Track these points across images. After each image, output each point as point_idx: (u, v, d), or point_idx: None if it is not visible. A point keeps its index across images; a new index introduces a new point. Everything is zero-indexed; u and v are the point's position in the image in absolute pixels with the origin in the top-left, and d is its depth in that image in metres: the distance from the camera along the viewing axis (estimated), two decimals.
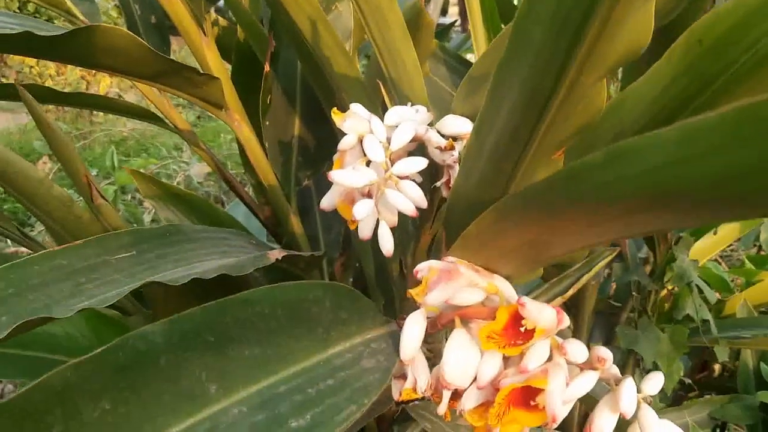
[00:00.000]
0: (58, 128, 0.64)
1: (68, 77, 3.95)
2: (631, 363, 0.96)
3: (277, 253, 0.48)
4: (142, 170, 2.15)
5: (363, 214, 0.33)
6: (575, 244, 0.24)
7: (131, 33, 0.40)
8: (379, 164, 0.37)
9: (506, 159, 0.31)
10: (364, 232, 0.35)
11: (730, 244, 1.13)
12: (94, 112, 4.66)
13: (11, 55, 4.38)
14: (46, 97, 0.69)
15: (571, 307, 0.92)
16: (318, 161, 0.60)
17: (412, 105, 0.42)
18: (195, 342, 0.23)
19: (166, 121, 0.71)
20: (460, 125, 0.41)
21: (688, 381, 1.02)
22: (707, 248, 1.03)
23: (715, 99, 0.24)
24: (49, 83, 4.01)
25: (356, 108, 0.40)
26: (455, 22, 1.11)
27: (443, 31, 1.11)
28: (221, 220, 0.66)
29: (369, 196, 0.37)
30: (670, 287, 0.87)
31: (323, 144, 0.60)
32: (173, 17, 0.50)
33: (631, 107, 0.29)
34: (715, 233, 0.91)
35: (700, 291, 0.88)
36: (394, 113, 0.40)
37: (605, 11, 0.21)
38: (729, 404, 0.99)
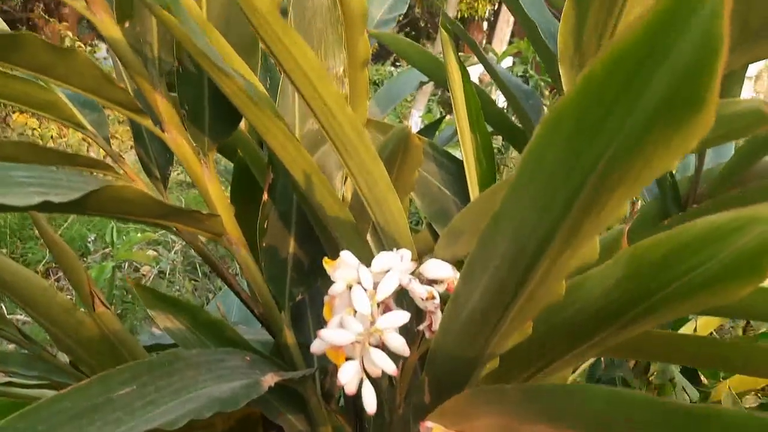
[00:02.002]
0: (61, 241, 0.68)
1: (69, 139, 4.03)
2: None
3: (270, 380, 0.51)
4: (141, 246, 2.17)
5: (348, 377, 0.36)
6: None
7: (140, 189, 0.44)
8: (366, 316, 0.40)
9: (479, 331, 0.34)
10: (350, 389, 0.37)
11: None
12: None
13: (14, 116, 4.47)
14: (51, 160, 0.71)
15: None
16: (311, 277, 0.63)
17: (398, 249, 0.45)
18: None
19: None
20: (441, 270, 0.44)
21: None
22: (702, 325, 1.05)
23: (656, 308, 0.27)
24: (51, 144, 4.08)
25: (346, 256, 0.43)
26: (441, 119, 1.16)
27: (432, 127, 1.16)
28: (217, 329, 0.68)
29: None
30: (654, 382, 0.89)
31: (316, 261, 0.63)
32: (179, 155, 0.54)
33: (589, 291, 0.32)
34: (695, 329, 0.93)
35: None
36: (381, 261, 0.44)
37: (555, 250, 0.25)
38: None
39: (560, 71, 0.70)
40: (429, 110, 5.76)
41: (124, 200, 0.44)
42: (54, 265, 2.32)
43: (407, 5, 1.23)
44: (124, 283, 1.78)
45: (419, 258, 1.01)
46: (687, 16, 0.14)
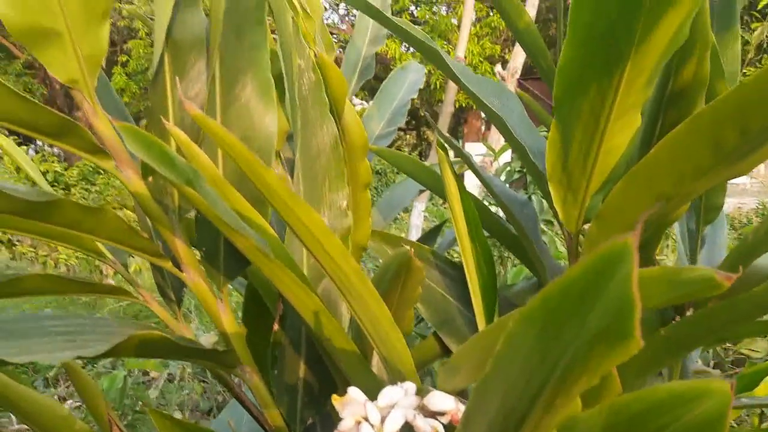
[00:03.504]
0: (81, 370, 0.71)
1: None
2: None
3: None
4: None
5: None
6: None
7: (162, 334, 0.47)
8: None
9: None
10: None
11: None
12: (104, 272, 4.79)
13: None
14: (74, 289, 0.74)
15: None
16: (322, 400, 0.65)
17: (402, 382, 0.48)
18: None
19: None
20: (445, 403, 0.47)
21: None
22: None
23: None
24: (62, 249, 4.16)
25: (354, 393, 0.46)
26: (441, 225, 1.21)
27: (433, 233, 1.21)
28: None
29: None
30: None
31: (326, 384, 0.66)
32: (196, 293, 0.58)
33: None
34: None
35: None
36: (387, 396, 0.46)
37: (539, 414, 0.28)
38: None
39: (550, 189, 0.74)
40: (431, 198, 5.86)
41: (149, 346, 0.48)
42: (64, 371, 2.32)
43: (405, 118, 1.30)
44: (135, 390, 1.78)
45: (426, 366, 1.03)
46: (609, 273, 0.18)
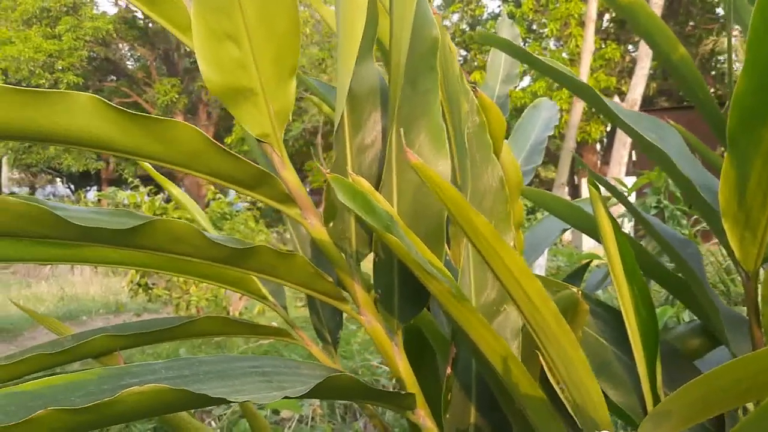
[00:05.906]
0: (258, 412, 0.74)
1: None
2: None
3: None
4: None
5: None
6: None
7: (353, 377, 0.48)
8: None
9: None
10: None
11: None
12: (230, 313, 5.03)
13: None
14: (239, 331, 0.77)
15: None
16: None
17: (597, 431, 0.46)
18: None
19: None
20: None
21: None
22: None
23: None
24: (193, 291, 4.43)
25: None
26: (586, 266, 1.17)
27: (578, 272, 1.17)
28: None
29: None
30: None
31: (497, 428, 0.64)
32: (372, 335, 0.59)
33: None
34: None
35: None
36: None
37: None
38: None
39: (724, 227, 0.70)
40: None
41: (339, 387, 0.49)
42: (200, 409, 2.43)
43: (542, 156, 1.29)
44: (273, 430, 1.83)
45: None
46: None
